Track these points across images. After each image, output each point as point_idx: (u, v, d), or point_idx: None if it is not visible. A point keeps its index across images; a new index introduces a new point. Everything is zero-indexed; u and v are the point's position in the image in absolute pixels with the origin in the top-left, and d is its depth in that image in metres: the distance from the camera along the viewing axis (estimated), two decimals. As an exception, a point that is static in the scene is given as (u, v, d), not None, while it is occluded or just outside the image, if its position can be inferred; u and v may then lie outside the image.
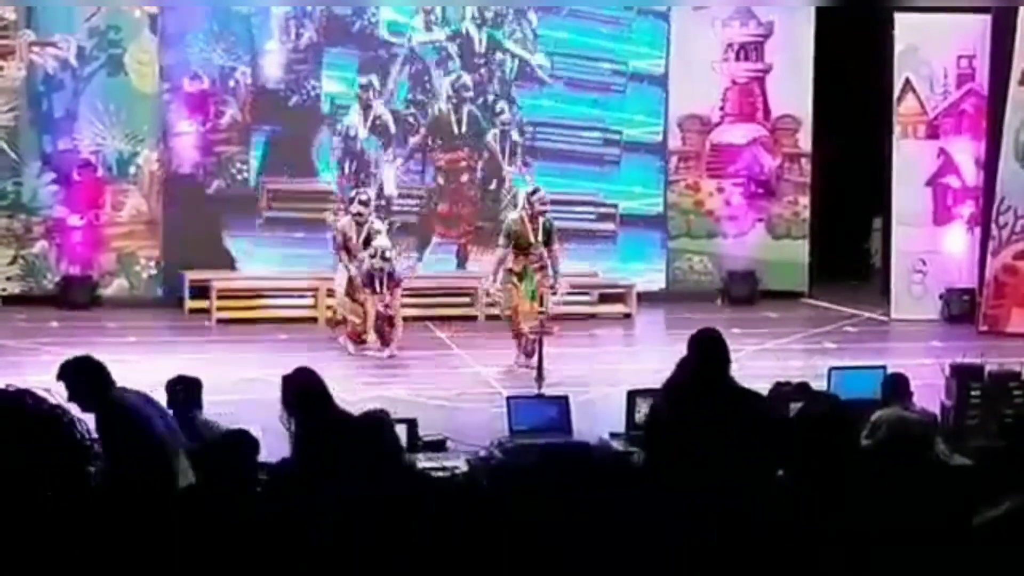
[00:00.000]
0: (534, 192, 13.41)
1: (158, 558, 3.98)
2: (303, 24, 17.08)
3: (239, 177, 17.16)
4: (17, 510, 3.89)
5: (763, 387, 5.15)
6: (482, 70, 17.51)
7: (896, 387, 8.27)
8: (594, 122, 17.93)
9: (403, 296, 14.22)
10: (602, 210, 18.01)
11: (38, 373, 10.60)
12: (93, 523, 3.96)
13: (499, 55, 17.53)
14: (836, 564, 4.13)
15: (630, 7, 17.91)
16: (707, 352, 6.62)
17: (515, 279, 13.14)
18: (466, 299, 16.72)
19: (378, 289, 13.70)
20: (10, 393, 3.70)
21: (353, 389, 11.77)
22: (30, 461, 3.86)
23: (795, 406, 6.63)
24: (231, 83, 17.09)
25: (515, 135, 17.66)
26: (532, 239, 13.09)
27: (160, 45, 16.95)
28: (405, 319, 14.13)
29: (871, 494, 4.37)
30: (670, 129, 18.24)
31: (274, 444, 6.18)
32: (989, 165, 16.15)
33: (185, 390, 7.52)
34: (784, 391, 8.62)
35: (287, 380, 6.89)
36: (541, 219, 13.17)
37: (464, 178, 17.65)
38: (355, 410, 5.98)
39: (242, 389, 11.38)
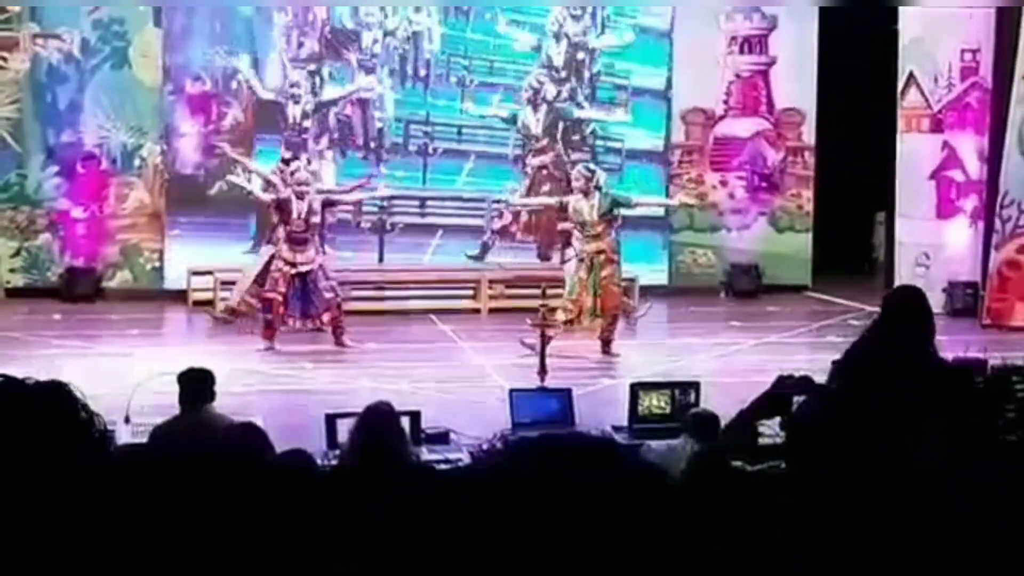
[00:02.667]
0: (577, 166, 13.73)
1: (166, 553, 3.98)
2: (305, 33, 17.10)
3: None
4: (24, 501, 3.88)
5: (766, 381, 5.12)
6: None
7: None
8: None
9: (407, 289, 14.14)
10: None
11: (42, 365, 10.64)
12: (100, 513, 3.95)
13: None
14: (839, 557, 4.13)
15: (633, 27, 17.93)
16: (902, 316, 5.13)
17: (584, 268, 13.16)
18: (470, 292, 16.75)
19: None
20: (19, 382, 3.68)
21: (356, 381, 11.80)
22: (37, 452, 3.86)
23: (798, 399, 6.60)
24: (233, 85, 17.10)
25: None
26: (587, 216, 13.13)
27: (164, 46, 16.95)
28: (410, 312, 14.10)
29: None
30: (673, 122, 18.27)
31: (279, 436, 6.18)
32: (992, 159, 16.13)
33: (197, 383, 7.52)
34: (787, 385, 8.61)
35: None
36: (598, 194, 13.19)
37: (546, 187, 17.56)
38: (360, 402, 5.96)
39: (245, 381, 11.40)
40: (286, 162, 14.78)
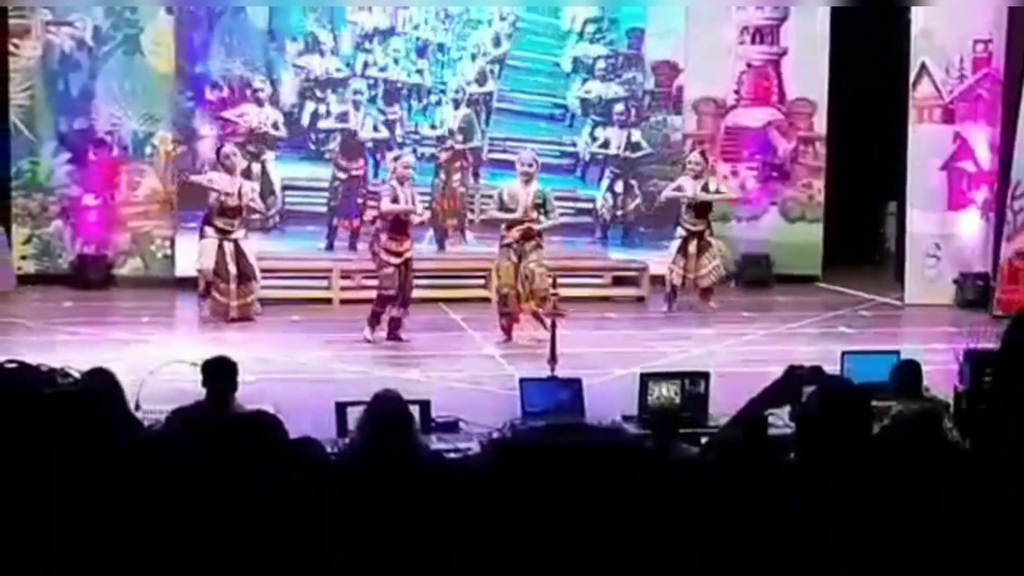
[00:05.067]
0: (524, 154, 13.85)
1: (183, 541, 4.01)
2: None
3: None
4: (45, 494, 3.90)
5: (776, 371, 5.12)
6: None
7: (908, 376, 8.16)
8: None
9: (418, 277, 14.09)
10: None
11: (54, 352, 10.67)
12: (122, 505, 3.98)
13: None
14: (849, 548, 4.14)
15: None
16: None
17: (513, 256, 13.30)
18: (480, 280, 16.76)
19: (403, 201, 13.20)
20: (41, 372, 3.70)
21: (366, 370, 11.81)
22: (56, 444, 3.88)
23: (808, 390, 6.59)
24: (248, 93, 17.27)
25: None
26: (522, 202, 13.24)
27: (185, 56, 17.07)
28: (418, 300, 14.06)
29: (884, 480, 4.37)
30: (685, 115, 18.28)
31: (289, 424, 6.18)
32: (1004, 150, 16.10)
33: (222, 371, 7.53)
34: (797, 375, 8.58)
35: None
36: (534, 184, 13.30)
37: (457, 176, 17.96)
38: (371, 391, 5.97)
39: (256, 369, 11.40)
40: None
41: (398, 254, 13.20)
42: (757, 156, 18.63)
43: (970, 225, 16.67)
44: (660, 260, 16.59)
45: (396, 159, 13.81)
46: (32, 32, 16.94)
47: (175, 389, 7.91)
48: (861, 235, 19.72)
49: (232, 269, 14.23)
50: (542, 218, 13.47)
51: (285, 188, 17.51)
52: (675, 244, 15.67)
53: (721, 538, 3.98)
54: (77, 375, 4.39)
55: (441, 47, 17.82)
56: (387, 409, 5.60)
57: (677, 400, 8.69)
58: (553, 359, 10.99)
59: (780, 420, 5.57)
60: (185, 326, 14.59)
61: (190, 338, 13.29)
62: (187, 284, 16.58)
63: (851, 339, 13.27)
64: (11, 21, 16.88)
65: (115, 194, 17.25)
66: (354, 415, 6.89)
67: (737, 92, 18.53)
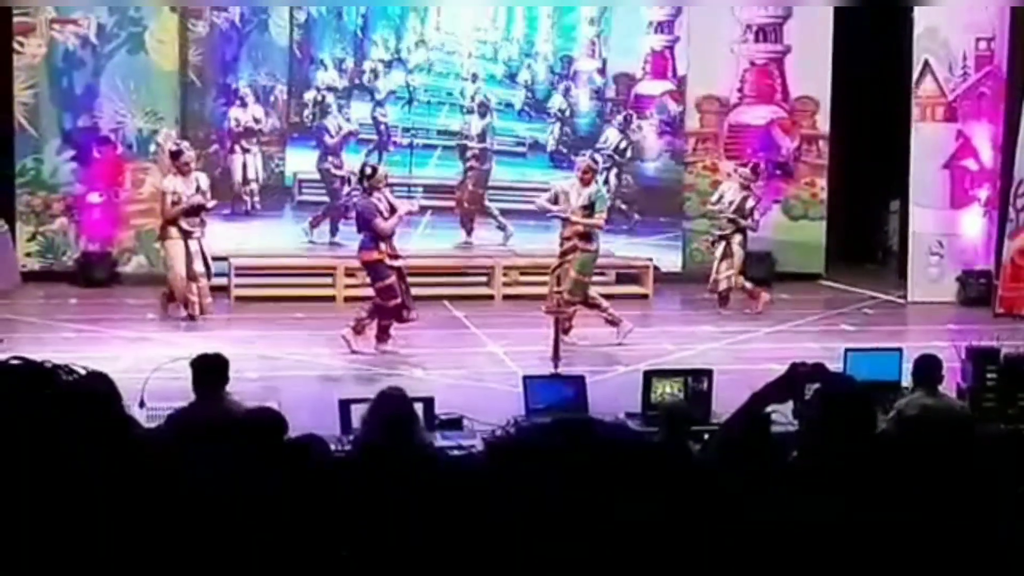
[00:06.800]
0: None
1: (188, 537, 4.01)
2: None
3: (277, 171, 17.64)
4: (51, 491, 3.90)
5: (779, 369, 5.14)
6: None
7: (926, 371, 8.15)
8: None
9: (421, 275, 14.04)
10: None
11: (58, 349, 10.70)
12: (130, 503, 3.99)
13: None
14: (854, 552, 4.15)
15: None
16: None
17: (559, 259, 13.29)
18: (483, 278, 16.78)
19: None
20: (43, 367, 3.71)
21: (370, 367, 11.84)
22: (64, 440, 3.88)
23: (811, 387, 6.60)
24: (272, 99, 17.52)
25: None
26: (572, 201, 13.16)
27: (218, 68, 17.36)
28: (422, 297, 14.07)
29: (889, 480, 4.38)
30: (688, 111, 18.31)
31: (293, 421, 6.22)
32: (1007, 148, 16.11)
33: (211, 369, 7.55)
34: (801, 372, 8.60)
35: None
36: (592, 186, 13.23)
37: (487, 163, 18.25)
38: (374, 388, 6.00)
39: (259, 366, 11.45)
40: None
41: (396, 256, 12.98)
42: (760, 154, 18.59)
43: (973, 223, 16.68)
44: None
45: (372, 171, 13.23)
46: (37, 30, 16.94)
47: (179, 387, 7.92)
48: (864, 233, 19.73)
49: (199, 267, 14.24)
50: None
51: (301, 182, 17.75)
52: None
53: (722, 536, 3.99)
54: (82, 371, 4.40)
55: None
56: (391, 406, 5.64)
57: (680, 397, 8.73)
58: (556, 356, 11.02)
59: (783, 417, 5.59)
60: (190, 324, 14.59)
61: (194, 335, 13.30)
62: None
63: (854, 336, 13.30)
64: (16, 19, 16.88)
65: (119, 192, 17.25)
66: (358, 412, 6.93)
67: (740, 90, 18.53)
